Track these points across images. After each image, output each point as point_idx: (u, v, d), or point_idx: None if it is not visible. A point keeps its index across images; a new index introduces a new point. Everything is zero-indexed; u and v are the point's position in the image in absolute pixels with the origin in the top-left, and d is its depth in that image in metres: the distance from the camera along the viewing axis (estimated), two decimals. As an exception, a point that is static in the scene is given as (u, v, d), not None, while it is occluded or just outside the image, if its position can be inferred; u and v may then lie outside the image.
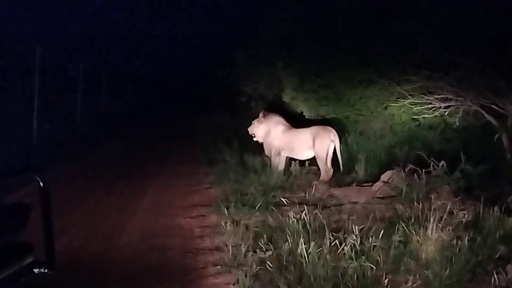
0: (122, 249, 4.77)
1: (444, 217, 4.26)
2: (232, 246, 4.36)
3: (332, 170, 7.25)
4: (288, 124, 7.77)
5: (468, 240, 3.93)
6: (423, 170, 5.62)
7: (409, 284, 3.61)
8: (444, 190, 5.48)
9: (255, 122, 7.93)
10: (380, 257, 3.84)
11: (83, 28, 22.10)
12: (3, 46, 11.36)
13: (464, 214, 4.51)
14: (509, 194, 5.02)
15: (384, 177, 6.39)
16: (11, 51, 10.74)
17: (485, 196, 5.13)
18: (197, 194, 7.04)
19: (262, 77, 10.76)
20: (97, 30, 22.90)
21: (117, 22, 25.20)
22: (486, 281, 3.57)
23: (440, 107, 7.07)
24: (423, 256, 3.97)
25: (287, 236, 4.19)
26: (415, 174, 5.70)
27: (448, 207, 4.48)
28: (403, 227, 4.26)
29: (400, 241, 4.14)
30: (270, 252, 4.20)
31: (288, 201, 5.63)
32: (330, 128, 7.41)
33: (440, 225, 4.13)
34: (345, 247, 3.89)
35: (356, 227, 4.13)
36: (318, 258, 3.73)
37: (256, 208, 5.55)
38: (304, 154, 7.49)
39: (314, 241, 3.92)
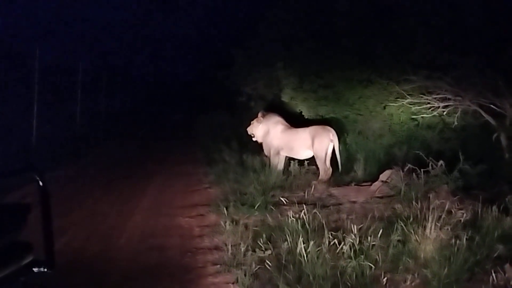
0: (122, 248, 4.78)
1: (443, 216, 4.27)
2: (231, 246, 4.38)
3: (331, 169, 7.26)
4: (287, 124, 7.78)
5: (466, 239, 3.95)
6: (422, 170, 5.63)
7: (408, 283, 3.62)
8: (442, 189, 5.49)
9: (254, 122, 7.94)
10: (379, 256, 3.86)
11: (83, 28, 22.11)
12: (3, 45, 11.35)
13: (463, 214, 4.53)
14: (508, 194, 5.04)
15: (383, 176, 6.40)
16: (11, 51, 10.73)
17: (484, 195, 5.15)
18: (197, 193, 7.06)
19: (261, 77, 10.78)
20: (97, 30, 22.90)
21: (117, 22, 25.20)
22: (485, 280, 3.58)
23: (439, 106, 7.08)
24: (422, 255, 3.99)
25: (286, 235, 4.21)
26: (414, 174, 5.71)
27: (447, 207, 4.49)
28: (401, 226, 4.28)
29: (398, 240, 4.15)
30: (269, 251, 4.21)
31: (287, 201, 5.63)
32: (329, 128, 7.43)
33: (439, 225, 4.15)
34: (344, 246, 3.90)
35: (355, 227, 4.14)
36: (317, 257, 3.75)
37: (255, 207, 5.56)
38: (303, 153, 7.50)
39: (313, 240, 3.93)
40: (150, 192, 7.28)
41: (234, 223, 5.05)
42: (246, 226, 4.98)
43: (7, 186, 4.54)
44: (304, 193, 6.17)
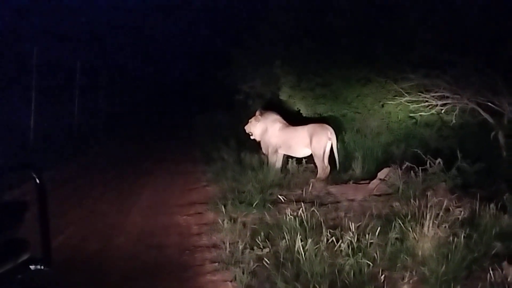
0: (120, 247, 4.78)
1: (441, 214, 4.27)
2: (229, 244, 4.39)
3: (329, 167, 7.26)
4: (285, 122, 7.78)
5: (464, 237, 3.95)
6: (420, 168, 5.64)
7: (406, 280, 3.62)
8: (440, 187, 5.50)
9: (252, 120, 7.94)
10: (376, 254, 3.86)
11: (82, 27, 22.05)
12: (1, 44, 11.33)
13: (461, 211, 4.54)
14: (505, 192, 5.04)
15: (381, 174, 6.40)
16: (10, 49, 10.71)
17: (481, 193, 5.15)
18: (195, 192, 7.05)
19: (259, 76, 10.78)
20: (96, 29, 22.84)
21: (116, 21, 25.13)
22: (482, 278, 3.58)
23: (437, 105, 7.08)
24: (420, 253, 3.99)
25: (284, 233, 4.21)
26: (412, 172, 5.71)
27: (445, 204, 4.49)
28: (399, 224, 4.28)
29: (396, 238, 4.15)
30: (267, 249, 4.21)
31: (285, 199, 5.63)
32: (327, 126, 7.43)
33: (437, 222, 4.15)
34: (342, 244, 3.91)
35: (353, 224, 4.15)
36: (315, 255, 3.75)
37: (254, 205, 5.56)
38: (301, 152, 7.50)
39: (311, 238, 3.94)
40: (148, 190, 7.28)
41: (232, 221, 5.05)
42: (244, 224, 4.99)
43: (5, 184, 4.53)
44: (302, 191, 6.17)
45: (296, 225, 4.36)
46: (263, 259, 3.91)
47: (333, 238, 4.00)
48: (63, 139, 11.01)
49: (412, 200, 4.91)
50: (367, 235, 4.03)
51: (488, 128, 6.81)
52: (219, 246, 4.52)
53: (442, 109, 7.12)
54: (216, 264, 4.19)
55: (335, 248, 3.92)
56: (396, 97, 7.63)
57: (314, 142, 7.24)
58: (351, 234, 3.98)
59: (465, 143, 7.00)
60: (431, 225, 4.11)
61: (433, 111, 7.22)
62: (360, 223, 4.32)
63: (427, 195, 4.91)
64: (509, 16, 6.27)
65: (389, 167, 6.35)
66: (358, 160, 7.33)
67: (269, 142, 7.73)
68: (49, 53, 12.13)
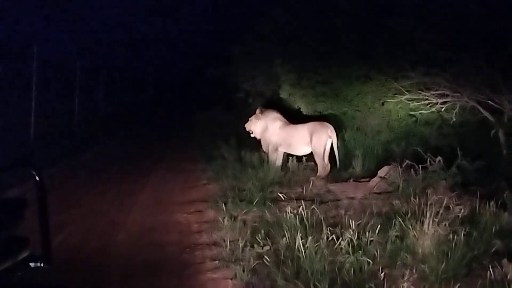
0: (120, 245, 4.78)
1: (441, 212, 4.28)
2: (229, 241, 4.39)
3: (329, 165, 7.27)
4: (285, 120, 7.78)
5: (464, 235, 3.96)
6: (420, 166, 5.64)
7: (406, 278, 3.61)
8: (440, 185, 5.49)
9: (252, 118, 7.94)
10: (377, 251, 3.86)
11: (82, 26, 22.05)
12: (2, 43, 11.32)
13: (461, 209, 4.54)
14: (505, 190, 5.05)
15: (381, 172, 6.41)
16: (9, 49, 10.70)
17: (482, 191, 5.15)
18: (195, 190, 7.05)
19: (259, 74, 10.77)
20: (95, 28, 22.85)
21: (114, 20, 25.12)
22: (482, 276, 3.58)
23: (437, 103, 7.08)
24: (420, 251, 4.00)
25: (285, 231, 4.21)
26: (412, 170, 5.71)
27: (445, 202, 4.49)
28: (399, 222, 4.28)
29: (396, 236, 4.16)
30: (267, 247, 4.22)
31: (285, 197, 5.64)
32: (327, 124, 7.43)
33: (437, 220, 4.15)
34: (342, 242, 3.92)
35: (353, 222, 4.15)
36: (315, 253, 3.76)
37: (254, 203, 5.57)
38: (302, 150, 7.51)
39: (311, 236, 3.94)
40: (148, 188, 7.28)
41: (233, 219, 5.05)
42: (244, 222, 4.98)
43: (4, 182, 4.53)
44: (303, 189, 6.18)
45: (296, 223, 4.36)
46: (263, 256, 3.91)
47: (333, 236, 4.00)
48: (63, 137, 11.01)
49: (412, 198, 4.92)
50: (367, 233, 4.03)
51: (488, 126, 6.81)
52: (220, 244, 4.53)
53: (442, 107, 7.13)
54: (217, 262, 4.19)
55: (335, 246, 3.92)
56: (396, 95, 7.63)
57: (315, 140, 7.24)
58: (351, 232, 3.99)
59: (465, 141, 7.00)
60: (431, 223, 4.11)
61: (433, 109, 7.22)
62: (360, 221, 4.33)
63: (427, 193, 4.90)
64: (508, 14, 6.27)
65: (389, 165, 6.36)
66: (358, 158, 7.34)
67: (269, 140, 7.73)
68: (48, 52, 12.13)
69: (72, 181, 7.72)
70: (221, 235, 4.74)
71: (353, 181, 6.78)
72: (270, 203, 5.58)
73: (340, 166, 7.35)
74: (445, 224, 4.15)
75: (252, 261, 3.92)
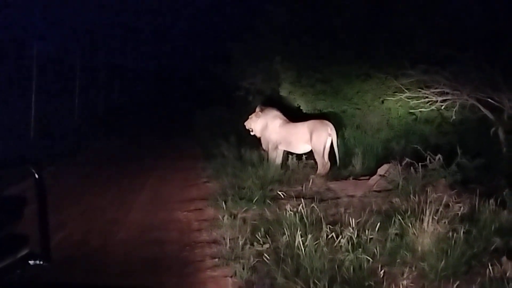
0: (121, 242, 4.79)
1: (440, 210, 4.28)
2: (229, 239, 4.39)
3: (329, 163, 7.27)
4: (285, 118, 7.78)
5: (463, 232, 3.97)
6: (420, 164, 5.63)
7: (405, 276, 3.63)
8: (440, 183, 5.50)
9: (252, 116, 7.94)
10: (376, 249, 3.87)
11: (81, 23, 22.03)
12: (2, 40, 11.31)
13: (460, 207, 4.55)
14: (505, 187, 5.05)
15: (381, 170, 6.41)
16: (10, 47, 10.70)
17: (481, 189, 5.16)
18: (195, 188, 7.06)
19: (259, 72, 10.75)
20: (94, 26, 22.80)
21: (114, 18, 25.10)
22: (482, 273, 3.59)
23: (437, 101, 7.08)
24: (419, 249, 4.00)
25: (284, 229, 4.22)
26: (412, 168, 5.71)
27: (444, 200, 4.50)
28: (399, 220, 4.29)
29: (396, 234, 4.16)
30: (267, 245, 4.22)
31: (285, 195, 5.64)
32: (327, 122, 7.43)
33: (436, 218, 4.16)
34: (341, 240, 3.92)
35: (353, 220, 4.15)
36: (315, 251, 3.76)
37: (254, 201, 5.57)
38: (302, 148, 7.51)
39: (311, 234, 3.95)
40: (148, 186, 7.28)
41: (232, 217, 5.05)
42: (244, 220, 4.99)
43: (4, 179, 4.54)
44: (302, 187, 6.18)
45: (296, 221, 4.36)
46: (263, 254, 3.92)
47: (333, 233, 4.00)
48: (63, 135, 11.00)
49: (411, 196, 4.92)
50: (367, 231, 4.04)
51: (488, 124, 6.81)
52: (219, 242, 4.53)
53: (442, 105, 7.13)
54: (216, 259, 4.20)
55: (335, 244, 3.92)
56: (396, 93, 7.64)
57: (314, 138, 7.24)
58: (351, 230, 3.99)
59: (465, 139, 7.00)
60: (430, 220, 4.11)
61: (433, 107, 7.23)
62: (360, 219, 4.33)
63: (427, 191, 4.91)
64: (508, 12, 6.27)
65: (389, 163, 6.35)
66: (358, 156, 7.34)
67: (269, 138, 7.73)
68: (50, 50, 12.12)
69: (72, 179, 7.73)
70: (221, 233, 4.74)
71: (352, 179, 6.78)
72: (270, 201, 5.58)
73: (340, 164, 7.36)
74: (445, 222, 4.15)
75: (252, 259, 3.93)
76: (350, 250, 3.80)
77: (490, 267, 3.54)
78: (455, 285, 3.36)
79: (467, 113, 7.11)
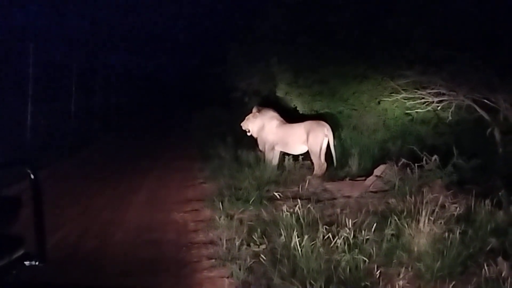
0: (117, 243, 4.78)
1: (436, 210, 4.29)
2: (226, 240, 4.38)
3: (325, 164, 7.28)
4: (282, 119, 7.79)
5: (459, 233, 3.97)
6: (416, 164, 5.64)
7: (401, 276, 3.63)
8: (436, 184, 5.51)
9: (249, 117, 7.94)
10: (372, 250, 3.87)
11: (79, 25, 21.98)
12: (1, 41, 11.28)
13: (456, 208, 4.55)
14: (501, 188, 5.07)
15: (377, 171, 6.42)
16: (6, 48, 10.65)
17: (477, 189, 5.16)
18: (192, 189, 7.06)
19: (256, 73, 10.77)
20: (92, 27, 22.78)
21: (112, 19, 25.06)
22: (477, 273, 3.59)
23: (433, 101, 7.10)
24: (415, 249, 4.01)
25: (281, 229, 4.22)
26: (408, 168, 5.73)
27: (440, 201, 4.51)
28: (395, 220, 4.29)
29: (392, 234, 4.17)
30: (264, 246, 4.22)
31: (281, 195, 5.65)
32: (323, 123, 7.45)
33: (432, 219, 4.17)
34: (338, 240, 3.91)
35: (349, 221, 4.15)
36: (312, 251, 3.76)
37: (250, 202, 5.57)
38: (298, 148, 7.52)
39: (307, 234, 3.94)
40: (145, 187, 7.27)
41: (229, 217, 5.06)
42: (240, 221, 5.00)
43: (0, 180, 4.53)
44: (299, 188, 6.18)
45: (292, 222, 4.36)
46: (259, 255, 3.92)
47: (330, 234, 4.00)
48: (60, 136, 10.97)
49: (408, 197, 4.93)
50: (363, 232, 4.03)
51: (484, 125, 6.83)
52: (216, 243, 4.53)
53: (438, 106, 7.14)
54: (213, 260, 4.20)
55: (331, 244, 3.92)
56: (393, 94, 7.65)
57: (311, 139, 7.25)
58: (347, 231, 3.98)
59: (461, 139, 7.02)
60: (426, 221, 4.12)
61: (429, 108, 7.24)
62: (356, 220, 4.33)
63: (423, 191, 4.91)
64: (504, 13, 6.29)
65: (385, 163, 6.37)
66: (354, 157, 7.36)
67: (266, 139, 7.73)
68: (44, 50, 12.08)
69: (68, 180, 7.71)
70: (218, 234, 4.74)
71: (349, 180, 6.80)
72: (266, 202, 5.58)
73: (337, 165, 7.37)
74: (441, 223, 4.16)
75: (248, 259, 3.92)
76: (347, 251, 3.80)
77: (486, 268, 3.54)
78: (451, 286, 3.37)
79: (463, 114, 7.14)
